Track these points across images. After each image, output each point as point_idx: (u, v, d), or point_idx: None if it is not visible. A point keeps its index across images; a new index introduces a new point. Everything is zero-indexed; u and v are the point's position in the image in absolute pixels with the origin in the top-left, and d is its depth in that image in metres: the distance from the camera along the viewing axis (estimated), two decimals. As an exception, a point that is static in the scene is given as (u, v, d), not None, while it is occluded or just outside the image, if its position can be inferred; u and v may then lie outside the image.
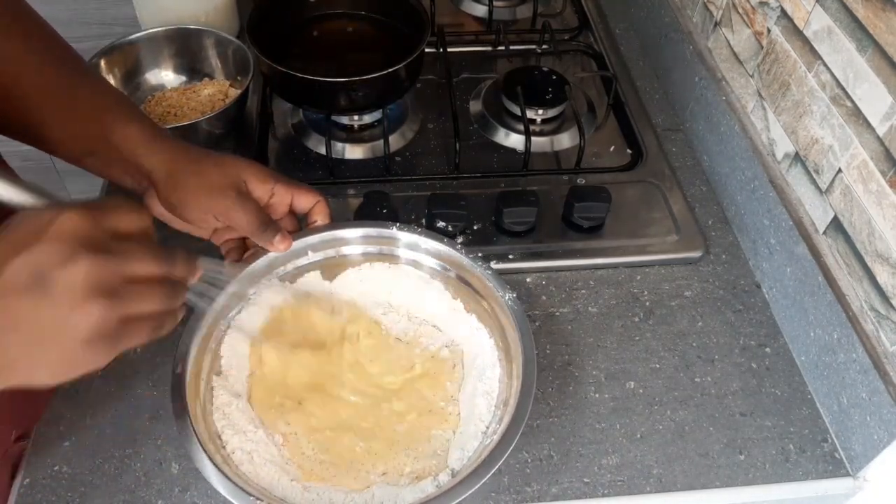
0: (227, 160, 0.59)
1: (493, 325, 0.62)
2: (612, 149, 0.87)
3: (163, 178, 0.57)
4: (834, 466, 0.62)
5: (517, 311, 0.59)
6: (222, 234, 0.62)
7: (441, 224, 0.73)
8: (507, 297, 0.60)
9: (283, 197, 0.61)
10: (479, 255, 0.64)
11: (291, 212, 0.63)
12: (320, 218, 0.64)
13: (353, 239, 0.66)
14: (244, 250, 0.63)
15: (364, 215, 0.72)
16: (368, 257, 0.67)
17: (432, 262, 0.65)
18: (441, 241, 0.64)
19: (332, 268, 0.66)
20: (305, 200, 0.63)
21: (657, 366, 0.67)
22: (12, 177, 0.46)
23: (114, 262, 0.40)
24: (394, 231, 0.65)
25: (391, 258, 0.66)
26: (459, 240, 0.75)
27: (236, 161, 0.59)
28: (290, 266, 0.65)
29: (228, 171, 0.58)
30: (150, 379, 0.64)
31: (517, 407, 0.54)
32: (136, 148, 0.57)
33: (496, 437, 0.53)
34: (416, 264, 0.66)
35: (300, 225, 0.65)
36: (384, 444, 0.58)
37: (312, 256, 0.65)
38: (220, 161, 0.59)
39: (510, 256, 0.74)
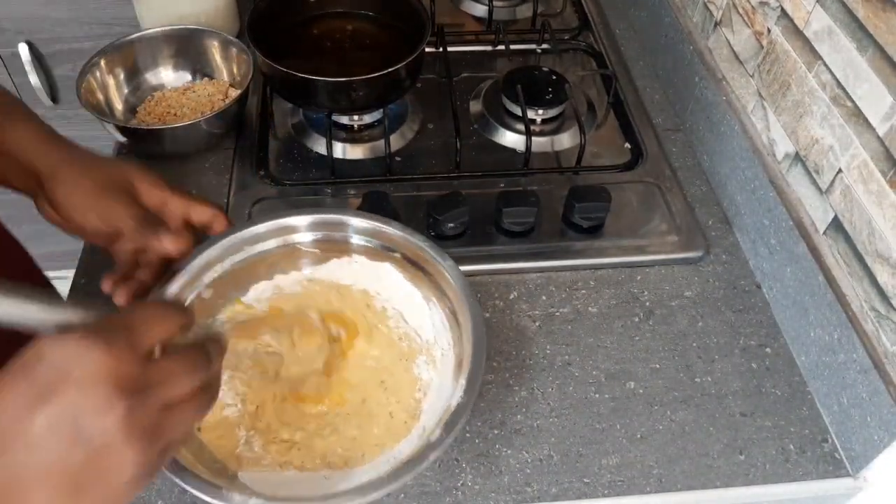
0: (118, 163, 0.60)
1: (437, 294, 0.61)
2: (612, 149, 0.87)
3: (49, 177, 0.57)
4: (834, 466, 0.62)
5: (455, 272, 0.59)
6: (121, 244, 0.58)
7: (441, 224, 0.73)
8: (447, 264, 0.59)
9: (177, 207, 0.60)
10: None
11: (188, 224, 0.61)
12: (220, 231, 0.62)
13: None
14: (154, 270, 0.59)
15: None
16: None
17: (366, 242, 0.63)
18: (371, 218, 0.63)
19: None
20: (203, 212, 0.60)
21: (657, 366, 0.67)
22: (25, 291, 0.41)
23: (151, 399, 0.38)
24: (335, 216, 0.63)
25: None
26: (459, 240, 0.75)
27: (128, 165, 0.59)
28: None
29: (116, 173, 0.58)
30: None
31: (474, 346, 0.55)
32: (27, 146, 0.57)
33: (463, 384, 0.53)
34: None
35: (197, 238, 0.60)
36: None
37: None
38: (110, 163, 0.60)
39: (510, 256, 0.74)
